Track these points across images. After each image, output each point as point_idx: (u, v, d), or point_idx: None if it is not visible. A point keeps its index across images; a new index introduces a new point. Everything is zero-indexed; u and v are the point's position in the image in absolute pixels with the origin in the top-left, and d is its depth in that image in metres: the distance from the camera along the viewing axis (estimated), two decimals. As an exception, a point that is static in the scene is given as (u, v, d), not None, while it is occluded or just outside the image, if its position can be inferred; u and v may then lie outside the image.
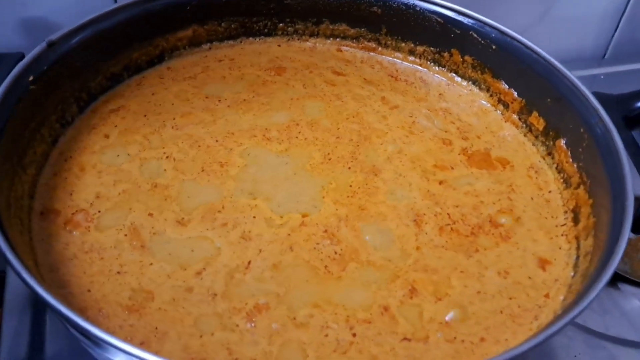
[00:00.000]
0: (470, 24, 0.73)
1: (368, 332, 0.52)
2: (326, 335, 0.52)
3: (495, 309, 0.55)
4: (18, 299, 0.67)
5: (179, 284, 0.54)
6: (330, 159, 0.66)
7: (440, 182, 0.65)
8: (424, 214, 0.61)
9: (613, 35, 1.09)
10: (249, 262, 0.56)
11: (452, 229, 0.60)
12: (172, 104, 0.71)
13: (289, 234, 0.59)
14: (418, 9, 0.76)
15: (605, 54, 1.11)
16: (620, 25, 1.07)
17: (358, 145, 0.68)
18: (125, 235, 0.57)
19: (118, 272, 0.55)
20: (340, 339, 0.52)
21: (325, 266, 0.56)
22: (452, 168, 0.66)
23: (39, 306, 0.66)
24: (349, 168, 0.65)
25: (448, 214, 0.62)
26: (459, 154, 0.68)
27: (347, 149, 0.67)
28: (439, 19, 0.75)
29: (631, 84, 0.83)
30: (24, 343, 0.63)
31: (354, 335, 0.52)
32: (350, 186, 0.63)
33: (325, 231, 0.59)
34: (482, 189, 0.65)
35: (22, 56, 0.62)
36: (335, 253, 0.57)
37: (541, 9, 1.00)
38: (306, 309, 0.53)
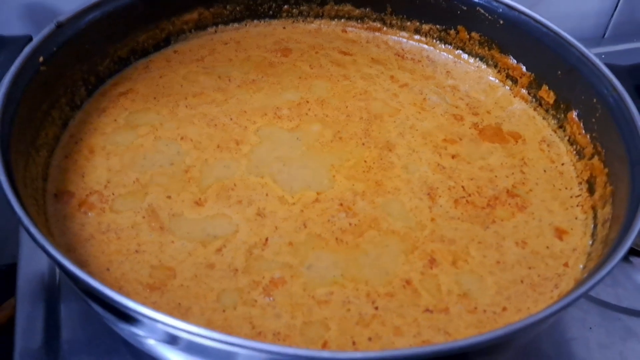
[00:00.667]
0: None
1: (390, 304, 0.52)
2: (348, 310, 0.52)
3: (515, 278, 0.55)
4: (31, 288, 0.66)
5: (200, 260, 0.54)
6: (341, 137, 0.66)
7: (453, 157, 0.65)
8: (438, 187, 0.61)
9: (612, 15, 1.10)
10: (267, 239, 0.56)
11: (467, 201, 0.60)
12: (181, 86, 0.70)
13: (303, 210, 0.58)
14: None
15: (605, 34, 1.12)
16: (619, 5, 1.08)
17: (370, 123, 0.67)
18: (144, 217, 0.57)
19: (136, 251, 0.54)
20: (362, 312, 0.51)
21: (338, 238, 0.56)
22: (464, 142, 0.66)
23: (52, 294, 0.66)
24: (363, 144, 0.65)
25: (462, 186, 0.62)
26: (469, 128, 0.68)
27: (360, 125, 0.67)
28: (445, -4, 0.75)
29: (632, 62, 0.83)
30: (39, 331, 0.63)
31: (376, 308, 0.52)
32: (365, 161, 0.63)
33: (341, 204, 0.59)
34: (495, 163, 0.65)
35: (30, 39, 0.61)
36: (350, 225, 0.57)
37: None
38: (326, 287, 0.53)
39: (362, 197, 0.60)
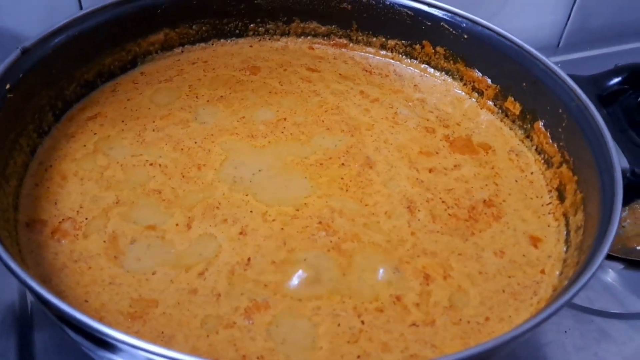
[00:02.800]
0: (440, 15, 0.75)
1: (377, 321, 0.52)
2: (339, 325, 0.52)
3: (497, 288, 0.56)
4: (2, 319, 0.64)
5: (182, 287, 0.53)
6: (317, 152, 0.66)
7: (430, 170, 0.65)
8: (416, 201, 0.62)
9: (566, 25, 1.13)
10: (249, 259, 0.55)
11: (449, 214, 0.61)
12: (149, 108, 0.70)
13: (282, 228, 0.58)
14: (388, 3, 0.77)
15: (559, 43, 1.15)
16: (572, 16, 1.11)
17: (345, 138, 0.68)
18: (104, 241, 0.56)
19: (110, 283, 0.53)
20: (351, 326, 0.51)
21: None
22: (438, 154, 0.67)
23: (24, 324, 0.64)
24: (342, 164, 0.65)
25: (441, 199, 0.62)
26: (440, 140, 0.69)
27: (334, 142, 0.67)
28: (409, 12, 0.76)
29: (587, 70, 0.86)
30: (11, 363, 0.61)
31: (363, 323, 0.52)
32: (342, 178, 0.63)
33: (320, 222, 0.59)
34: (469, 174, 0.66)
35: (-6, 65, 0.59)
36: (331, 242, 0.57)
37: (499, 2, 1.03)
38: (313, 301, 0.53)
39: (339, 213, 0.60)
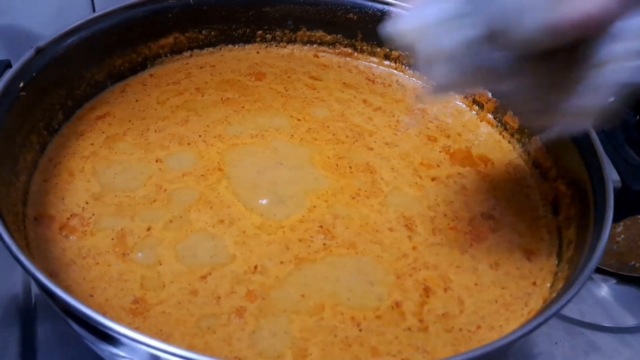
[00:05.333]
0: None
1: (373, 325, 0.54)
2: (335, 336, 0.53)
3: (490, 298, 0.57)
4: (5, 311, 0.66)
5: (184, 286, 0.55)
6: (328, 157, 0.68)
7: (433, 179, 0.67)
8: (418, 211, 0.63)
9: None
10: (256, 266, 0.57)
11: (449, 227, 0.62)
12: (155, 109, 0.71)
13: (285, 232, 0.60)
14: (393, 15, 0.79)
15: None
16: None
17: (350, 144, 0.70)
18: (112, 239, 0.58)
19: (117, 279, 0.55)
20: (348, 335, 0.53)
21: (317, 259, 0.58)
22: (438, 166, 0.69)
23: (28, 316, 0.66)
24: (350, 169, 0.67)
25: (443, 212, 0.64)
26: (440, 152, 0.71)
27: (343, 147, 0.69)
28: (413, 25, 0.78)
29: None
30: (14, 355, 0.62)
31: (360, 330, 0.53)
32: (347, 185, 0.65)
33: (321, 226, 0.60)
34: (471, 187, 0.67)
35: (9, 63, 0.61)
36: (325, 244, 0.59)
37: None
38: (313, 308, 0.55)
39: (341, 220, 0.61)
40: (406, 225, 0.62)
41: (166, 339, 0.51)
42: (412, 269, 0.58)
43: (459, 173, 0.69)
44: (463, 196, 0.66)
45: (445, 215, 0.64)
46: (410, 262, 0.59)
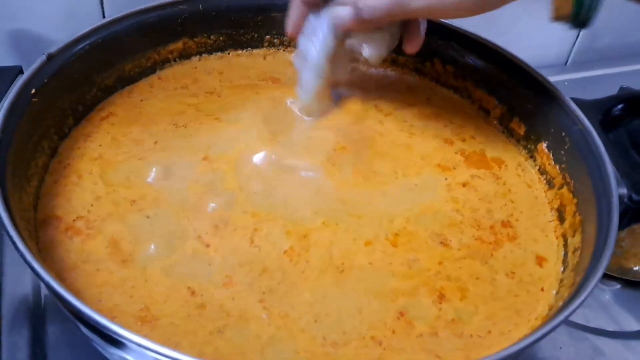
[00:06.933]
0: (451, 34, 0.77)
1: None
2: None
3: (504, 306, 0.57)
4: (15, 313, 0.67)
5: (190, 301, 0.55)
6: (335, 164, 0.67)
7: (464, 185, 0.67)
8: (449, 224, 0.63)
9: (574, 44, 1.15)
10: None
11: (475, 237, 0.62)
12: (162, 109, 0.72)
13: (304, 245, 0.60)
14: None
15: (567, 61, 1.17)
16: (581, 33, 1.13)
17: (366, 150, 0.70)
18: (106, 247, 0.58)
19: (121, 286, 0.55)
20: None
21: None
22: (458, 170, 0.69)
23: (38, 318, 0.67)
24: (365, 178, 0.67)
25: (470, 223, 0.64)
26: (456, 154, 0.71)
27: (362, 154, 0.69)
28: (421, 31, 0.78)
29: (594, 89, 0.88)
30: (25, 357, 0.63)
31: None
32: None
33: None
34: (489, 192, 0.67)
35: (20, 69, 0.62)
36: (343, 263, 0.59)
37: (509, 19, 1.05)
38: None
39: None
40: (441, 242, 0.62)
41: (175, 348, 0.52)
42: (439, 279, 0.58)
43: (477, 175, 0.69)
44: (487, 203, 0.66)
45: (471, 226, 0.64)
46: (431, 275, 0.59)
